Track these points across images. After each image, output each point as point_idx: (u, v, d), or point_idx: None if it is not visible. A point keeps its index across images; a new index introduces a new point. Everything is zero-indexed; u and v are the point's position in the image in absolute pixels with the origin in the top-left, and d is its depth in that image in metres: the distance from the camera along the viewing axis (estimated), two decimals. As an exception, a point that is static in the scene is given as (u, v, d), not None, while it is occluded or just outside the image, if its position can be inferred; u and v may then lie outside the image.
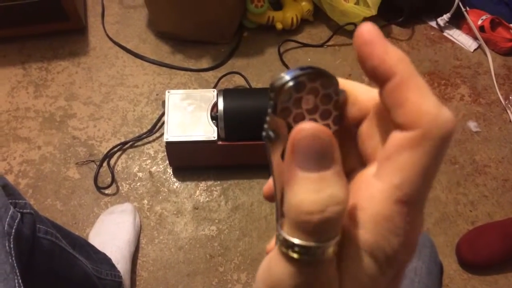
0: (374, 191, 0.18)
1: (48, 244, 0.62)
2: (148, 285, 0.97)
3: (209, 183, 1.09)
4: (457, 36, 1.39)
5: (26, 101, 1.18)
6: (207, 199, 1.07)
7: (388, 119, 0.18)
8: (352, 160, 0.22)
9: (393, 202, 0.17)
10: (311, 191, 0.17)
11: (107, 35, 1.30)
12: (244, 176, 1.09)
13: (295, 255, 0.17)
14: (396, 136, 0.17)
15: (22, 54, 1.25)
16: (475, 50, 1.37)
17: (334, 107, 0.20)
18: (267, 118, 0.19)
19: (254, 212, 1.05)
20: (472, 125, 1.22)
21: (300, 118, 0.20)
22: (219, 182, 1.09)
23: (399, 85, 0.17)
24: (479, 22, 1.35)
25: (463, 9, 1.35)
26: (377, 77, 0.18)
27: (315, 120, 0.20)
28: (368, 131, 0.21)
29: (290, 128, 0.19)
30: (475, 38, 1.37)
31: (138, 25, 1.34)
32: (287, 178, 0.18)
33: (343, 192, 0.17)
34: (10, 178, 1.05)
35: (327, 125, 0.21)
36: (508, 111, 1.25)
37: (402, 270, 0.19)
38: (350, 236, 0.18)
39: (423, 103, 0.17)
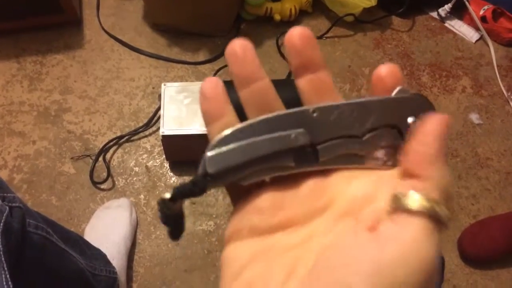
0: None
1: (38, 239, 0.60)
2: (145, 281, 0.95)
3: (207, 177, 1.07)
4: (459, 27, 1.37)
5: (20, 95, 1.16)
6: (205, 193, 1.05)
7: None
8: None
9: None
10: None
11: (103, 28, 1.28)
12: (242, 170, 1.07)
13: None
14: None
15: (17, 47, 1.23)
16: (477, 41, 1.35)
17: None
18: None
19: (252, 206, 1.04)
20: (474, 117, 1.20)
21: None
22: (216, 176, 1.07)
23: None
24: (481, 13, 1.33)
25: (464, -1, 1.33)
26: None
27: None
28: None
29: None
30: (477, 29, 1.35)
31: (134, 17, 1.31)
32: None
33: None
34: (4, 173, 1.04)
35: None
36: (511, 103, 1.23)
37: None
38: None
39: None
